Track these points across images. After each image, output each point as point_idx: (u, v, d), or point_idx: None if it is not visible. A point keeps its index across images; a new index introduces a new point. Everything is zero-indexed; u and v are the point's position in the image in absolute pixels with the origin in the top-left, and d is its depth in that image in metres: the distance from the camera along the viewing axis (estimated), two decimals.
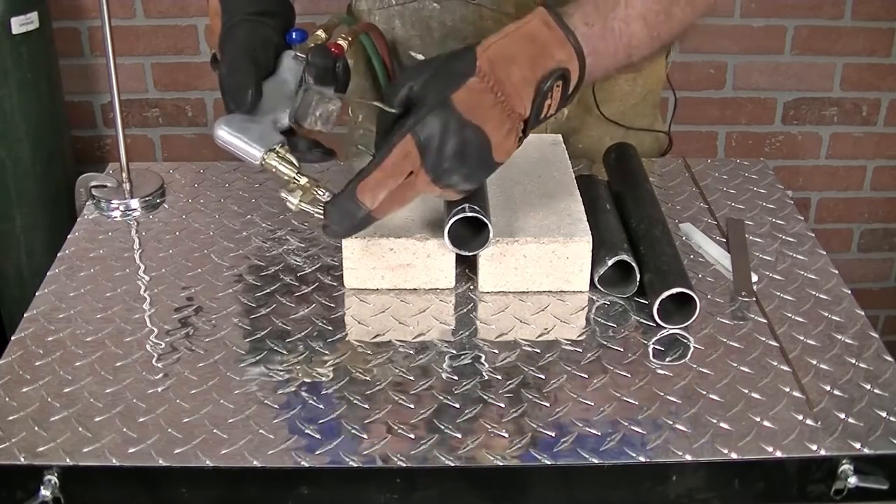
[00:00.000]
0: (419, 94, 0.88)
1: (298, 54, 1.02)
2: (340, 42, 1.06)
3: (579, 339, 0.97)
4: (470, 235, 0.99)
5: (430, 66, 0.90)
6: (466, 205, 0.98)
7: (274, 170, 0.96)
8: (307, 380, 0.91)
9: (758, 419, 0.87)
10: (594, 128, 1.37)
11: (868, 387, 0.91)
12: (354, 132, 1.41)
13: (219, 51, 1.03)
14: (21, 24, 1.91)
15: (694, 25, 1.06)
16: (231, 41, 1.01)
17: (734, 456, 0.83)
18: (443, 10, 1.24)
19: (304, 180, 0.96)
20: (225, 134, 0.96)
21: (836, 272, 1.08)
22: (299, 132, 1.01)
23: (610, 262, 1.01)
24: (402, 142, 0.87)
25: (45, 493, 0.81)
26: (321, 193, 0.96)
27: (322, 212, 0.95)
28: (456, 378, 0.91)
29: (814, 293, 1.04)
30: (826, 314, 1.01)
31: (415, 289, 1.03)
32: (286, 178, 0.96)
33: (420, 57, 1.25)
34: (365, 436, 0.84)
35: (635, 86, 1.35)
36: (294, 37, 1.04)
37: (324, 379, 0.91)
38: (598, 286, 1.03)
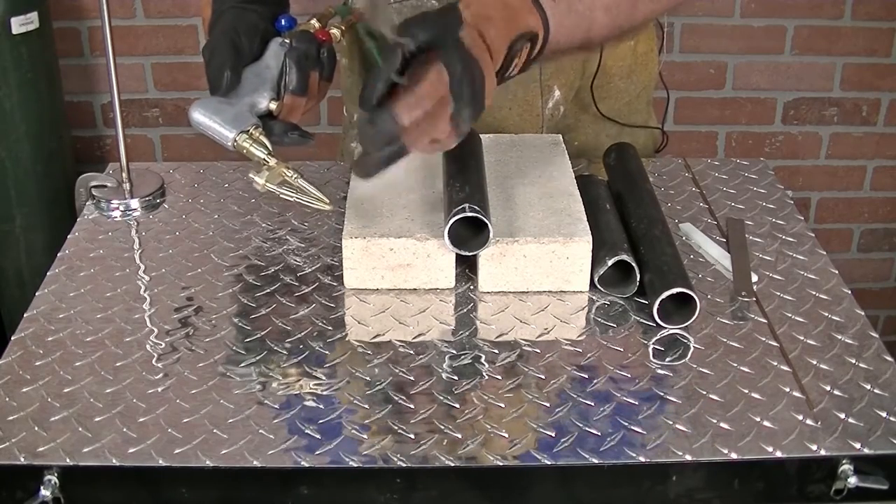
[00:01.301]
0: (429, 39, 0.91)
1: (285, 40, 1.02)
2: (333, 30, 1.06)
3: (579, 339, 0.97)
4: (470, 235, 0.99)
5: (424, 18, 0.93)
6: (466, 205, 0.98)
7: (245, 151, 0.97)
8: (307, 379, 0.91)
9: (758, 419, 0.87)
10: (590, 125, 1.37)
11: (868, 387, 0.91)
12: (349, 131, 1.41)
13: (208, 38, 1.05)
14: (21, 24, 1.90)
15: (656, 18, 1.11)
16: (216, 28, 1.04)
17: (734, 456, 0.83)
18: None
19: (273, 162, 0.97)
20: (199, 116, 0.97)
21: (836, 272, 1.08)
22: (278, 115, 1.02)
23: (610, 262, 1.01)
24: (434, 68, 0.89)
25: (45, 493, 0.81)
26: (290, 175, 0.97)
27: (288, 193, 0.97)
28: (456, 378, 0.91)
29: (814, 293, 1.04)
30: (826, 314, 1.01)
31: (415, 289, 1.03)
32: (256, 159, 0.97)
33: None
34: (365, 436, 0.84)
35: (630, 83, 1.36)
36: (283, 23, 1.04)
37: (324, 379, 0.91)
38: (598, 286, 1.03)
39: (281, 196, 0.98)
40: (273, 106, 1.00)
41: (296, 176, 0.98)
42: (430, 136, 0.92)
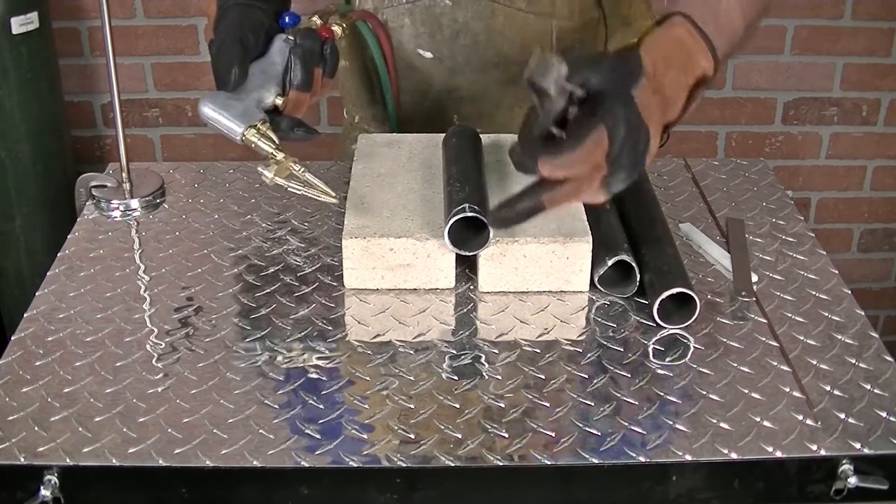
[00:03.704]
0: (601, 87, 0.87)
1: (289, 37, 1.04)
2: (334, 27, 1.08)
3: (579, 339, 0.97)
4: (470, 235, 0.99)
5: (603, 61, 0.90)
6: (466, 205, 0.98)
7: (253, 145, 0.99)
8: (307, 380, 0.91)
9: (758, 419, 0.87)
10: None
11: (868, 387, 0.91)
12: (350, 132, 1.41)
13: (213, 33, 1.05)
14: (21, 24, 1.91)
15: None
16: (222, 24, 1.04)
17: (734, 456, 0.83)
18: (454, 7, 1.24)
19: (280, 156, 0.98)
20: (208, 110, 0.99)
21: (836, 272, 1.08)
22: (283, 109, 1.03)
23: (610, 262, 1.01)
24: (597, 130, 0.85)
25: (45, 493, 0.81)
26: (297, 169, 0.99)
27: (296, 186, 0.98)
28: (456, 378, 0.91)
29: (814, 293, 1.04)
30: (826, 314, 1.01)
31: (415, 289, 1.03)
32: (264, 153, 0.99)
33: (428, 55, 1.26)
34: (365, 436, 0.84)
35: None
36: (286, 20, 1.06)
37: (324, 379, 0.91)
38: (598, 286, 1.03)
39: (289, 189, 0.99)
40: (279, 101, 1.02)
41: (303, 170, 0.99)
42: (573, 200, 0.90)
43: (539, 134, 0.87)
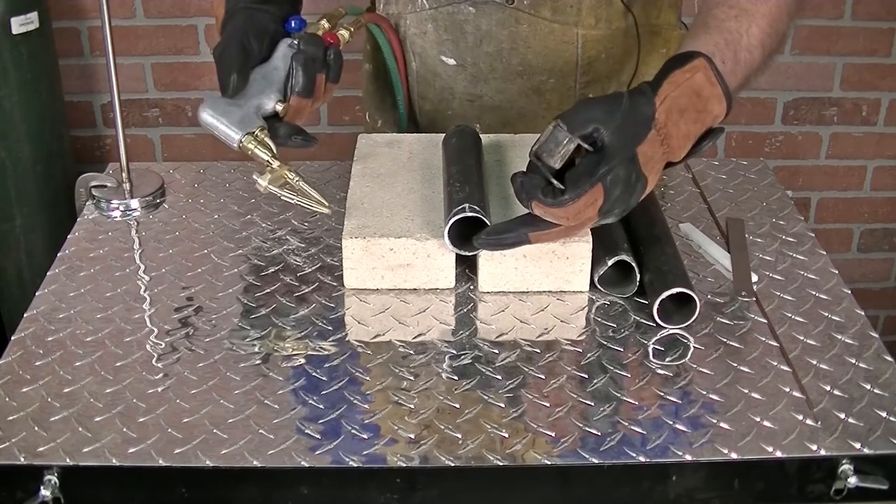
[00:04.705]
0: (609, 140, 0.89)
1: (294, 42, 1.03)
2: (342, 31, 1.07)
3: (579, 339, 0.97)
4: (470, 235, 0.99)
5: (615, 108, 0.90)
6: (466, 205, 0.98)
7: (250, 153, 0.99)
8: (307, 380, 0.91)
9: (758, 419, 0.87)
10: None
11: (868, 387, 0.91)
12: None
13: (219, 37, 1.06)
14: (21, 24, 1.91)
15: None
16: (227, 28, 1.04)
17: (734, 456, 0.83)
18: (478, 15, 1.23)
19: (276, 164, 0.99)
20: (207, 116, 0.99)
21: (836, 272, 1.08)
22: (286, 117, 1.03)
23: (610, 262, 1.01)
24: (593, 190, 0.88)
25: (45, 493, 0.81)
26: (292, 177, 0.99)
27: (289, 195, 0.99)
28: (456, 378, 0.91)
29: (814, 293, 1.04)
30: (826, 314, 1.01)
31: (415, 289, 1.03)
32: (261, 161, 0.99)
33: (452, 62, 1.26)
34: (365, 436, 0.84)
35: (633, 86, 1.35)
36: (293, 25, 1.05)
37: (324, 379, 0.91)
38: (598, 286, 1.03)
39: (282, 198, 0.99)
40: (279, 107, 1.01)
41: (298, 179, 0.99)
42: (557, 240, 0.95)
43: (539, 176, 0.90)
